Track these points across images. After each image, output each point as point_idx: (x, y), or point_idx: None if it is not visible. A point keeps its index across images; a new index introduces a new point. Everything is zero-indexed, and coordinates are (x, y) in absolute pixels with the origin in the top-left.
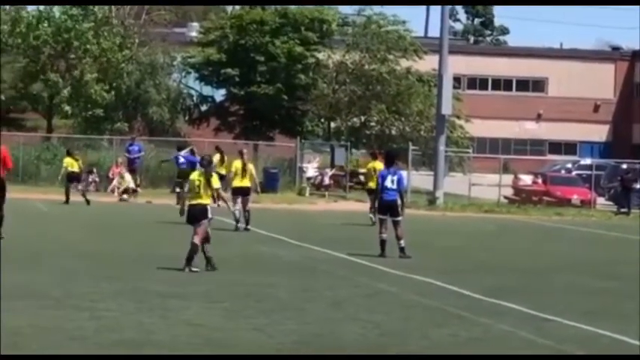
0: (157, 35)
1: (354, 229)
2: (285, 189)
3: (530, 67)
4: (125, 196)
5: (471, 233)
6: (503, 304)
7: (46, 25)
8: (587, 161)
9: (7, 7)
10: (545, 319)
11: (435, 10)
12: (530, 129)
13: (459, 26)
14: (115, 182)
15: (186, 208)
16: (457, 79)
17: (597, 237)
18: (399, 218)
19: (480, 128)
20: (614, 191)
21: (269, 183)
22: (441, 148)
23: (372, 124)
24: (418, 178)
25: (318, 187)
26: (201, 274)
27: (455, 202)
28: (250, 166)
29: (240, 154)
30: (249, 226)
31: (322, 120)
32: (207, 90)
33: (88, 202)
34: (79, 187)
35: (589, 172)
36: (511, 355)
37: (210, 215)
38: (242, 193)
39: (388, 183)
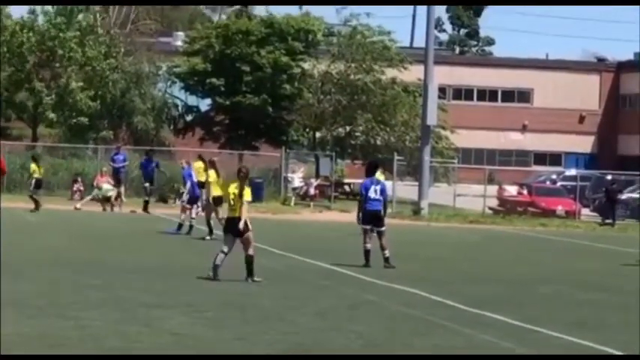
0: (143, 44)
1: (339, 239)
2: (270, 199)
3: (515, 78)
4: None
5: (455, 244)
6: (488, 314)
7: (30, 33)
8: (572, 172)
9: None
10: (529, 330)
11: (421, 20)
12: (516, 140)
13: (444, 36)
14: (94, 192)
15: (223, 221)
16: (442, 90)
17: (582, 248)
18: (383, 228)
19: (465, 139)
20: (598, 202)
21: (254, 192)
22: (426, 158)
23: (358, 134)
24: (403, 189)
25: (303, 197)
26: (185, 283)
27: (440, 212)
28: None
29: (212, 164)
30: None
31: (307, 130)
32: (192, 100)
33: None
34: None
35: (574, 183)
36: None
37: (250, 226)
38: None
39: (372, 193)
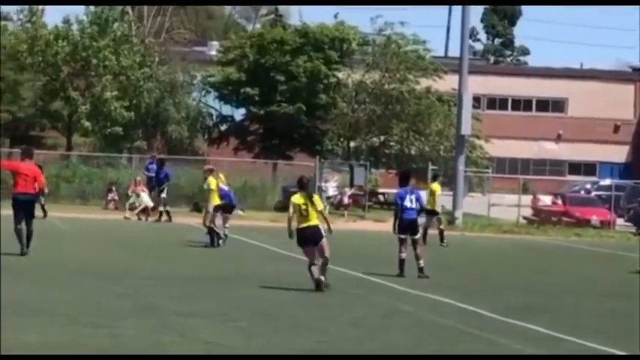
0: (177, 54)
1: (373, 248)
2: None
3: (549, 88)
4: (140, 215)
5: (489, 253)
6: (521, 324)
7: (64, 43)
8: (607, 182)
9: (28, 25)
10: (561, 339)
11: (455, 29)
12: (550, 149)
13: (479, 46)
14: (131, 200)
15: (294, 231)
16: (477, 99)
17: (616, 258)
18: (418, 237)
19: (499, 148)
20: (633, 212)
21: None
22: (461, 168)
23: (392, 143)
24: (438, 198)
25: (337, 206)
26: (218, 292)
27: (474, 222)
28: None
29: (211, 172)
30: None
31: (342, 139)
32: (226, 109)
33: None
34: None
35: (608, 193)
36: None
37: (324, 234)
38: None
39: (407, 202)
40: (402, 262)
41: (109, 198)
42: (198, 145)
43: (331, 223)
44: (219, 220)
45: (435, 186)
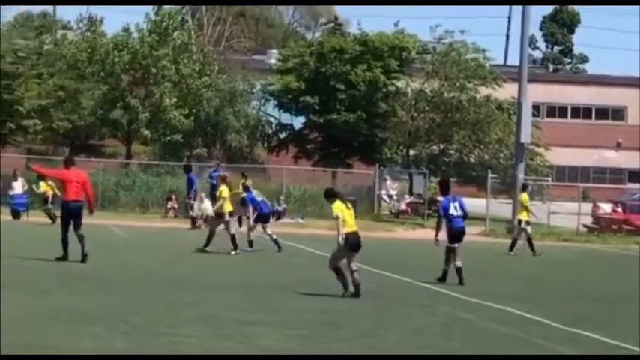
0: (237, 62)
1: (432, 256)
2: (364, 216)
3: (609, 96)
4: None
5: (549, 262)
6: (582, 332)
7: (123, 52)
8: None
9: (88, 33)
10: (622, 348)
11: (515, 38)
12: (610, 157)
13: (538, 54)
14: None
15: (343, 237)
16: (536, 107)
17: None
18: (460, 243)
19: (558, 156)
20: None
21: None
22: (520, 176)
23: (451, 151)
24: (497, 206)
25: (396, 214)
26: (278, 300)
27: (534, 230)
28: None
29: (224, 180)
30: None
31: (401, 147)
32: (286, 117)
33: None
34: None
35: None
36: None
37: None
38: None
39: (452, 211)
40: (459, 270)
41: (169, 206)
42: (257, 153)
43: (391, 231)
44: (234, 227)
45: (524, 196)
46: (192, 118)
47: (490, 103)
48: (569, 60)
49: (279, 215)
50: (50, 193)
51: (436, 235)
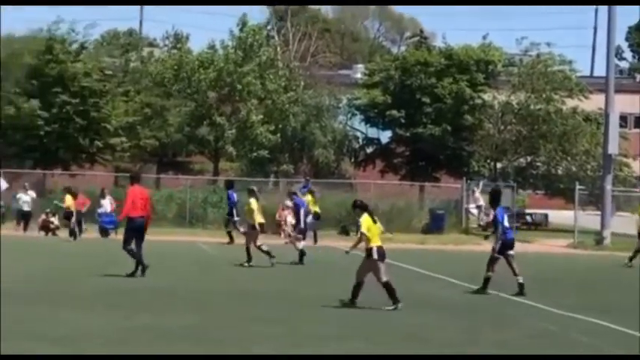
0: (323, 77)
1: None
2: (452, 230)
3: None
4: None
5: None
6: None
7: (209, 69)
8: None
9: (174, 51)
10: None
11: (601, 49)
12: None
13: (625, 65)
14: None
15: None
16: (623, 118)
17: None
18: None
19: None
20: None
21: (435, 224)
22: (608, 187)
23: (539, 164)
24: (585, 218)
25: (484, 227)
26: (362, 315)
27: (623, 242)
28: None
29: (252, 193)
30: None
31: (488, 160)
32: (372, 132)
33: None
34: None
35: None
36: None
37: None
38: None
39: (506, 222)
40: (487, 280)
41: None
42: (344, 168)
43: (478, 245)
44: (260, 241)
45: None
46: (278, 134)
47: (577, 115)
48: None
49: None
50: (74, 209)
51: (495, 245)
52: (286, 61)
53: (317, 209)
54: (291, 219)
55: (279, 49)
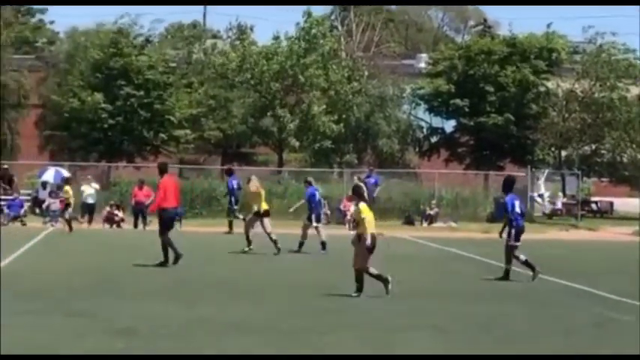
0: (386, 67)
1: (586, 258)
2: None
3: None
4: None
5: None
6: None
7: (273, 60)
8: None
9: (237, 42)
10: None
11: None
12: None
13: None
14: (348, 215)
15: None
16: None
17: None
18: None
19: None
20: None
21: (500, 212)
22: None
23: (603, 151)
24: None
25: (549, 215)
26: (431, 305)
27: None
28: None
29: (250, 180)
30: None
31: (553, 148)
32: (436, 121)
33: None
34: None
35: None
36: None
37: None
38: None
39: (518, 209)
40: (507, 272)
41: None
42: (409, 157)
43: (544, 233)
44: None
45: None
46: (341, 124)
47: None
48: None
49: (431, 219)
50: (72, 200)
51: (502, 231)
52: (350, 51)
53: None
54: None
55: (342, 39)
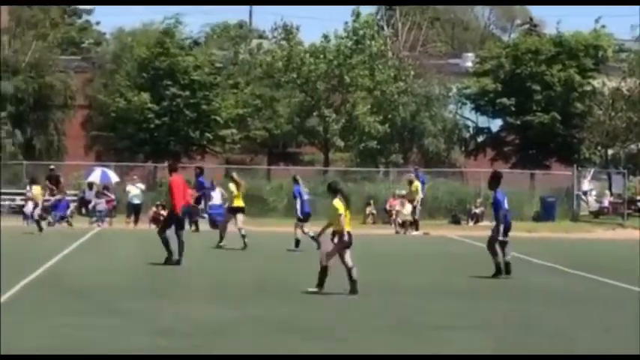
0: (433, 66)
1: (630, 257)
2: (563, 217)
3: None
4: (401, 229)
5: None
6: None
7: (320, 59)
8: None
9: (283, 42)
10: None
11: None
12: None
13: None
14: (394, 215)
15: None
16: None
17: None
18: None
19: None
20: None
21: (546, 212)
22: None
23: None
24: None
25: (596, 214)
26: (475, 304)
27: None
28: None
29: (232, 179)
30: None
31: (599, 147)
32: (483, 120)
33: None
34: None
35: None
36: None
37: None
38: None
39: (506, 205)
40: (508, 264)
41: (367, 212)
42: (455, 157)
43: (590, 232)
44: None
45: None
46: (387, 124)
47: None
48: None
49: (477, 218)
50: (40, 200)
51: (497, 227)
52: (396, 51)
53: None
54: (400, 208)
55: (389, 40)
